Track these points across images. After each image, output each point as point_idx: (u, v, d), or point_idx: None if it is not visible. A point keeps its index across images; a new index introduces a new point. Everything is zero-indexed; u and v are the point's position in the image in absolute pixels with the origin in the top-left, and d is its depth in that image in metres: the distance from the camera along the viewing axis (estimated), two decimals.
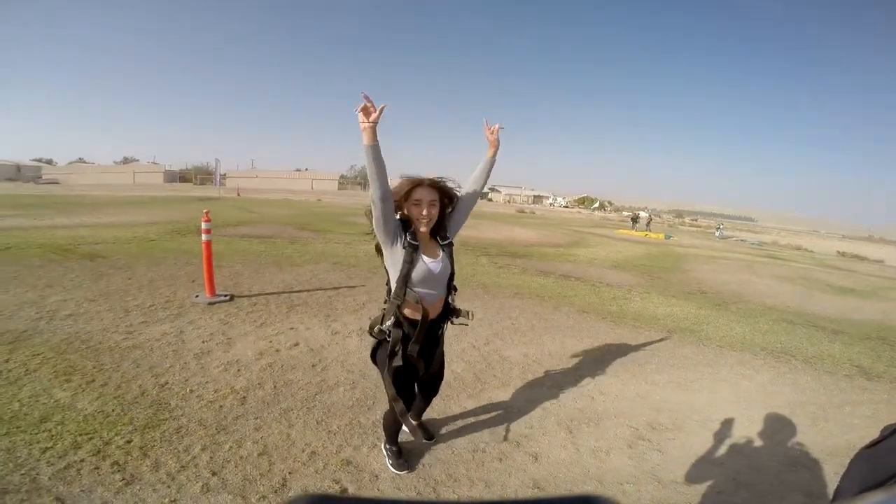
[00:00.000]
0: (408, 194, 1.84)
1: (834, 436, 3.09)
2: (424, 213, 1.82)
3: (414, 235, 1.87)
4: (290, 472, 2.19)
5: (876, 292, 10.66)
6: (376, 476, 2.24)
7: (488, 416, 2.92)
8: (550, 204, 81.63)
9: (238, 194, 28.03)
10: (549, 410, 3.10)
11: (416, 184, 1.84)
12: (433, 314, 1.94)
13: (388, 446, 2.35)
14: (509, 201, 72.80)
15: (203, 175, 52.47)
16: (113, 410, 2.56)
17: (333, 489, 2.11)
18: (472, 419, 2.87)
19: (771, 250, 24.70)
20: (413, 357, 1.96)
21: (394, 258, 1.86)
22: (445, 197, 1.92)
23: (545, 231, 18.41)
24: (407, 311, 1.92)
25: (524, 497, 2.33)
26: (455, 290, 2.07)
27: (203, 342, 3.65)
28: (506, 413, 3.00)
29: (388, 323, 1.93)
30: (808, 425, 3.22)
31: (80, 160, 74.70)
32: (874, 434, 0.77)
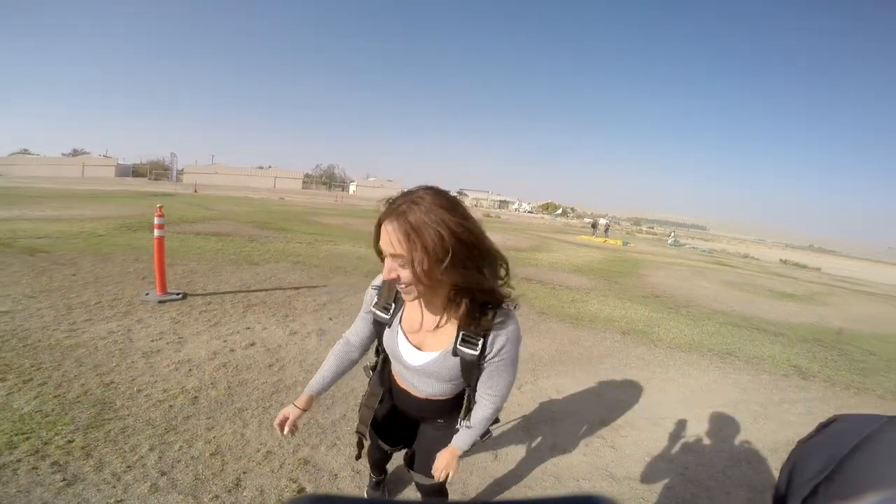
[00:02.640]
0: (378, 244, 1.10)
1: (773, 433, 3.29)
2: (391, 273, 1.06)
3: (388, 305, 1.29)
4: (244, 472, 2.13)
5: (813, 297, 11.42)
6: (335, 475, 2.21)
7: None
8: (516, 209, 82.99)
9: (195, 190, 26.95)
10: (508, 409, 3.14)
11: (380, 221, 1.07)
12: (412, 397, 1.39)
13: (370, 476, 2.06)
14: (476, 205, 73.44)
15: (159, 170, 50.18)
16: (52, 410, 2.41)
17: (291, 488, 2.06)
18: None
19: (720, 258, 25.98)
20: (379, 420, 1.56)
21: None
22: (429, 240, 0.97)
23: (509, 235, 18.67)
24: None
25: (524, 497, 2.36)
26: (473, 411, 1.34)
27: (152, 341, 3.49)
28: None
29: (378, 360, 1.51)
30: (750, 423, 3.40)
31: (25, 151, 69.93)
32: (809, 430, 0.84)
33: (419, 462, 1.50)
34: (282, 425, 1.34)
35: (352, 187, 68.95)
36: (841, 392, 4.34)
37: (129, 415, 2.47)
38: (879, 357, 5.85)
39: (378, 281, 1.31)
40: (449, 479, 1.35)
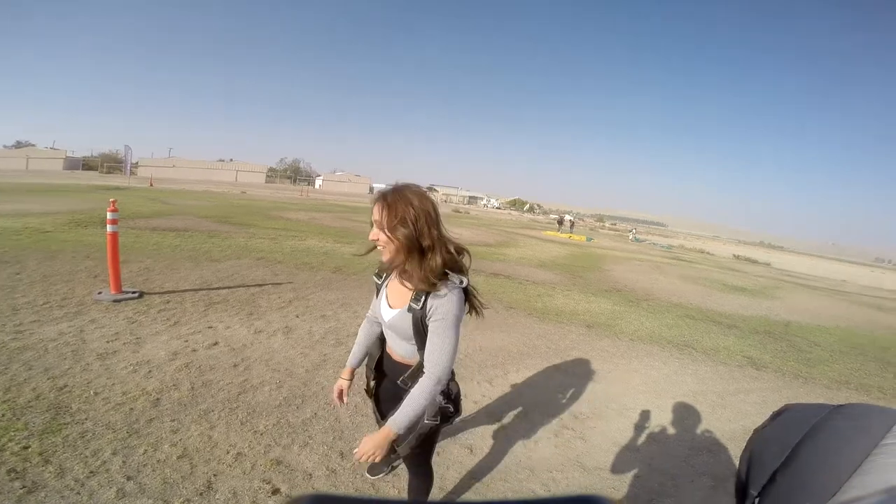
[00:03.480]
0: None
1: (731, 421, 3.45)
2: (374, 236, 1.39)
3: (381, 274, 1.58)
4: (215, 475, 2.06)
5: (763, 291, 12.05)
6: (310, 474, 2.18)
7: None
8: (484, 205, 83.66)
9: (151, 184, 25.75)
10: (480, 403, 3.18)
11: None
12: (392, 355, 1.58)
13: None
14: (446, 201, 73.56)
15: (111, 163, 47.73)
16: (3, 416, 2.26)
17: (264, 489, 2.02)
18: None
19: (678, 253, 27.04)
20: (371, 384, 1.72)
21: None
22: (394, 214, 1.33)
23: (478, 231, 18.80)
24: None
25: (524, 497, 2.38)
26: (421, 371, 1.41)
27: (108, 342, 3.32)
28: None
29: None
30: (709, 412, 3.56)
31: None
32: (764, 419, 0.89)
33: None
34: (340, 397, 1.72)
35: (318, 182, 67.64)
36: (791, 381, 4.60)
37: (87, 419, 2.35)
38: (823, 348, 6.23)
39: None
40: (369, 461, 1.37)
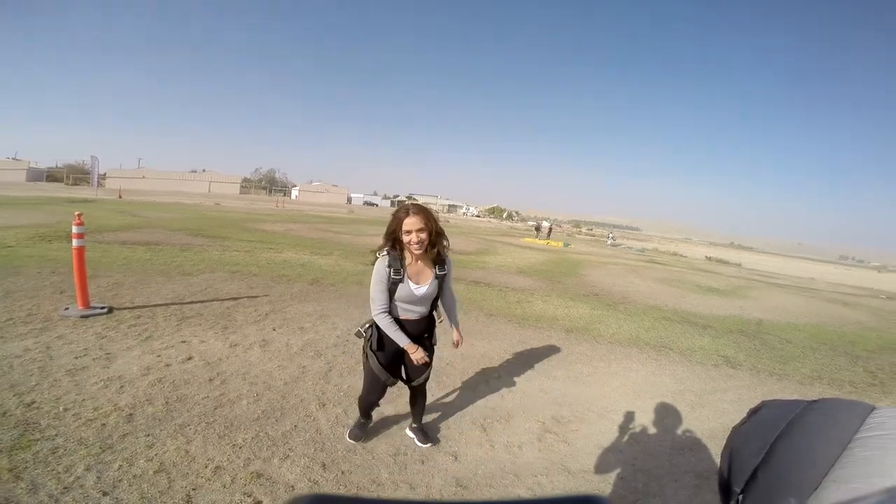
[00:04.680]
0: (399, 229, 2.14)
1: (710, 420, 3.51)
2: (414, 239, 2.10)
3: (398, 270, 2.19)
4: (193, 489, 2.01)
5: (735, 291, 12.37)
6: (292, 487, 2.14)
7: (406, 419, 2.90)
8: (464, 213, 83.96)
9: (120, 196, 25.05)
10: (463, 410, 3.18)
11: (402, 217, 2.13)
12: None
13: (359, 419, 2.69)
14: None
15: (77, 174, 46.27)
16: None
17: (246, 502, 1.97)
18: (392, 425, 2.86)
19: (652, 256, 27.61)
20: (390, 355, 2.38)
21: None
22: (430, 220, 2.16)
23: (457, 239, 18.79)
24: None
25: (524, 497, 2.39)
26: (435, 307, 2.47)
27: (76, 358, 3.20)
28: (424, 415, 3.02)
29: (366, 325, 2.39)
30: (688, 412, 3.63)
31: None
32: (741, 416, 0.91)
33: (414, 372, 2.46)
34: (423, 359, 2.30)
35: (294, 192, 66.83)
36: (765, 379, 4.72)
37: (57, 435, 2.26)
38: (795, 345, 6.42)
39: (384, 262, 2.18)
40: (462, 344, 2.58)
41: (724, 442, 0.87)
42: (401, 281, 2.20)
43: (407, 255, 2.22)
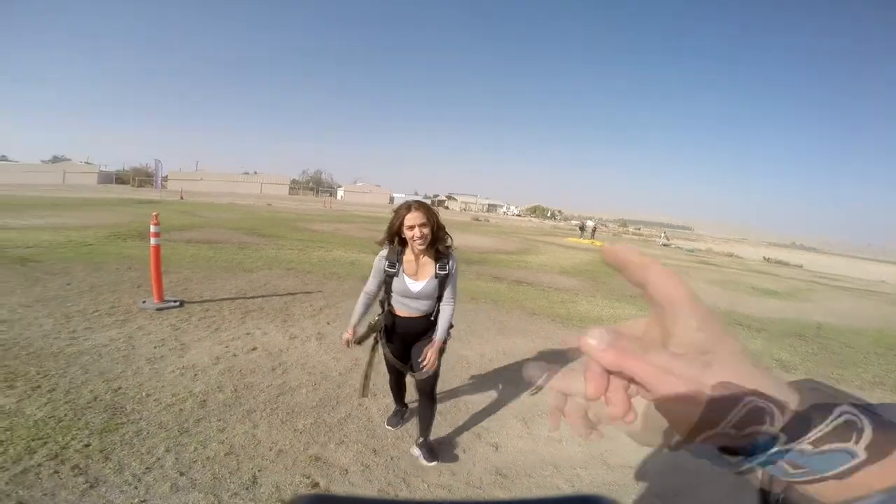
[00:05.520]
0: (401, 225, 2.20)
1: None
2: (417, 234, 2.14)
3: (393, 264, 2.28)
4: (259, 470, 2.22)
5: (794, 294, 11.74)
6: (346, 470, 2.32)
7: (449, 411, 3.04)
8: (504, 213, 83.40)
9: (182, 197, 26.70)
10: (505, 404, 3.28)
11: (403, 213, 2.18)
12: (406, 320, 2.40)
13: (395, 407, 2.90)
14: (465, 209, 73.70)
15: (142, 177, 49.60)
16: (65, 415, 2.47)
17: (304, 483, 2.16)
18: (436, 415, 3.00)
19: (704, 257, 26.47)
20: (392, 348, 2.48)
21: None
22: (432, 216, 2.20)
23: (499, 238, 18.86)
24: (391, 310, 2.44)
25: (524, 497, 2.48)
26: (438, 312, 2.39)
27: (155, 347, 3.55)
28: (466, 408, 3.15)
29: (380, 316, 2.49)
30: None
31: (3, 158, 68.38)
32: None
33: (418, 367, 2.37)
34: (347, 344, 2.40)
35: (339, 192, 68.70)
36: None
37: (141, 419, 2.54)
38: (857, 350, 6.08)
39: (383, 254, 2.34)
40: (432, 367, 2.32)
41: None
42: (395, 275, 2.28)
43: (409, 251, 2.28)
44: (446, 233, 2.28)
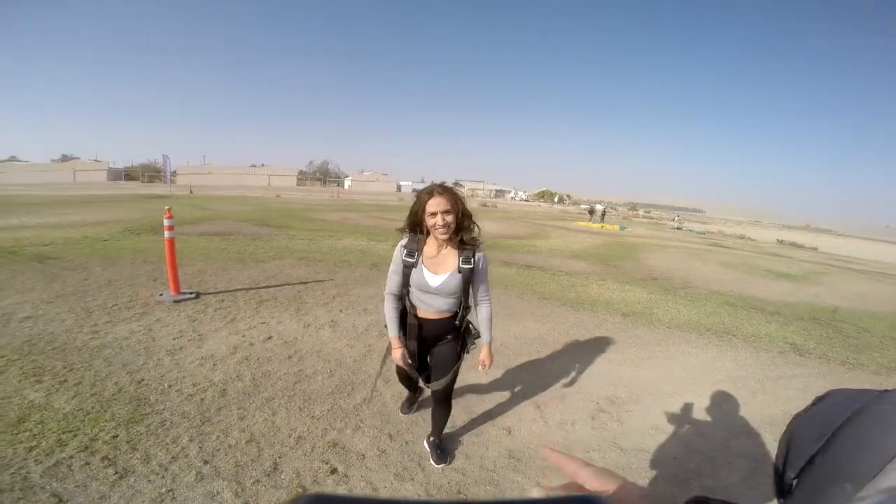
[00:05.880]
0: (423, 212, 1.97)
1: (771, 406, 3.44)
2: (440, 221, 1.91)
3: (411, 253, 2.06)
4: (279, 457, 2.29)
5: (809, 277, 11.58)
6: (363, 455, 2.38)
7: (461, 395, 3.09)
8: (512, 198, 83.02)
9: (191, 191, 26.95)
10: (517, 389, 3.32)
11: (425, 199, 1.95)
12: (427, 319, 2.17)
13: (408, 394, 2.85)
14: (472, 195, 73.48)
15: (151, 172, 50.08)
16: (92, 408, 2.56)
17: (323, 469, 2.23)
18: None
19: (716, 239, 26.19)
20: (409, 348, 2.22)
21: None
22: (458, 202, 1.96)
23: (507, 223, 18.82)
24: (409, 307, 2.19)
25: (524, 497, 2.51)
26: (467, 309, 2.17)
27: (174, 339, 3.63)
28: (478, 392, 3.20)
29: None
30: (748, 397, 3.56)
31: (13, 158, 69.34)
32: (805, 404, 0.93)
33: (435, 375, 2.25)
34: (405, 362, 2.15)
35: (346, 182, 68.75)
36: (836, 368, 4.49)
37: (164, 409, 2.62)
38: (873, 334, 6.01)
39: (402, 243, 2.10)
40: (489, 368, 2.22)
41: (784, 428, 0.87)
42: (414, 266, 2.05)
43: (430, 240, 2.05)
44: (473, 221, 2.02)
